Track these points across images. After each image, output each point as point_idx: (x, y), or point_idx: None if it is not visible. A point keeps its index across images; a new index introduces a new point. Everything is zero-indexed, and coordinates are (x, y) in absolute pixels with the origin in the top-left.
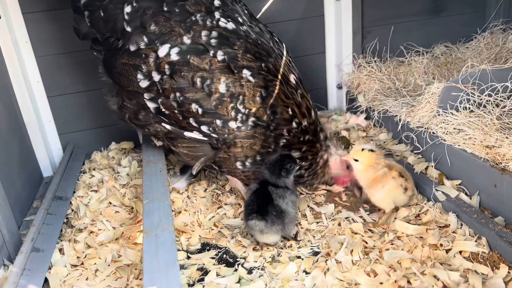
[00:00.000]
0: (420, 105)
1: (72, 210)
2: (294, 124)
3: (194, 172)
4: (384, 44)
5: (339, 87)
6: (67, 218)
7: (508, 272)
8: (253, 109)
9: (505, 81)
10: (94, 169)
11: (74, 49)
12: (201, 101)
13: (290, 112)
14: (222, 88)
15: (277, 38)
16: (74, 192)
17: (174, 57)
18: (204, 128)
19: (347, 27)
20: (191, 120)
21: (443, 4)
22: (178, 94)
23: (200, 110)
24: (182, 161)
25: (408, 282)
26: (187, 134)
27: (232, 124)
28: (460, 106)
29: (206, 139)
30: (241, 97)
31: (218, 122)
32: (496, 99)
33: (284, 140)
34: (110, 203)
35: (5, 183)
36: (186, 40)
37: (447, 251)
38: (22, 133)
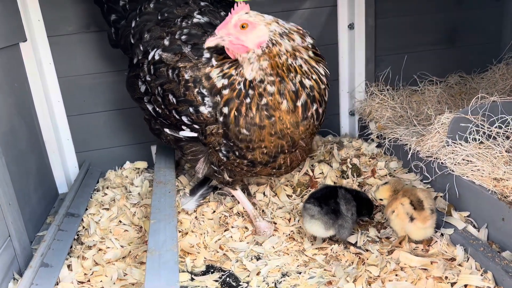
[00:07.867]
0: (430, 134)
1: (83, 227)
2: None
3: (200, 176)
4: (397, 72)
5: (352, 114)
6: (77, 235)
7: None
8: (208, 86)
9: None
10: (107, 188)
11: (94, 71)
12: (174, 90)
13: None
14: (186, 74)
15: None
16: (87, 209)
17: (156, 57)
18: (185, 119)
19: (360, 55)
20: (174, 113)
21: (457, 33)
22: (159, 88)
23: (174, 100)
24: (194, 169)
25: None
26: (181, 133)
27: (203, 110)
28: (469, 137)
29: (195, 134)
30: (202, 79)
31: (191, 109)
32: (506, 131)
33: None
34: (120, 221)
35: (21, 198)
36: (166, 42)
37: (452, 284)
38: (41, 150)
